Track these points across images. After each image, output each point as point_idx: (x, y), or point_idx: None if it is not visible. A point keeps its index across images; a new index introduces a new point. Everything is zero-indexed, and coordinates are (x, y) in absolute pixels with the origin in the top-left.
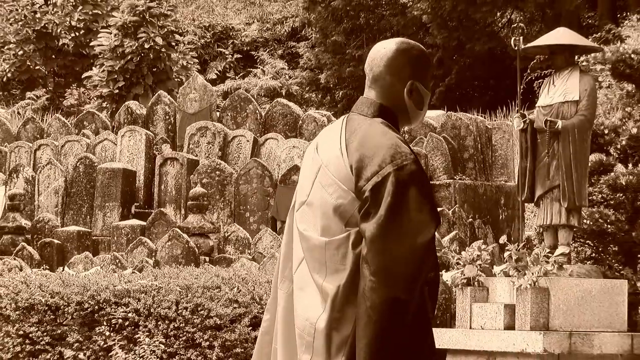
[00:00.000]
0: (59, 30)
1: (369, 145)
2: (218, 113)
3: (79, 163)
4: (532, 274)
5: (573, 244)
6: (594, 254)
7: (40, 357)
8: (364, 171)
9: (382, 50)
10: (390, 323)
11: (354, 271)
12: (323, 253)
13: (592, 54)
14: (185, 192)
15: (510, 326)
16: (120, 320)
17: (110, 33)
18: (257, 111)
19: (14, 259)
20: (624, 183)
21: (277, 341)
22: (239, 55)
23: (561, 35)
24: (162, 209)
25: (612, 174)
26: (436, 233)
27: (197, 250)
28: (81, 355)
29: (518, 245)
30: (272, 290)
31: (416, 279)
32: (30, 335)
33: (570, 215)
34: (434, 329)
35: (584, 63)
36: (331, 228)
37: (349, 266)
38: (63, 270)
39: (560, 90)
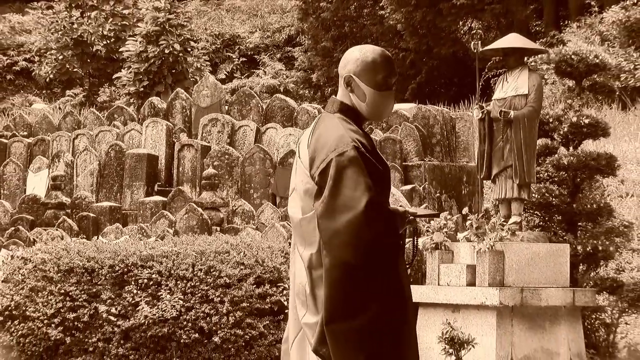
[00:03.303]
0: (93, 39)
1: (322, 138)
2: (226, 107)
3: (110, 149)
4: (490, 239)
5: (524, 214)
6: (541, 223)
7: (78, 312)
8: (316, 161)
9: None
10: (340, 282)
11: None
12: (300, 228)
13: (539, 56)
14: (200, 173)
15: (471, 283)
16: (145, 281)
17: (136, 41)
18: (259, 105)
19: (56, 230)
20: (566, 163)
21: (290, 295)
22: (244, 59)
23: (513, 40)
24: (180, 187)
25: (556, 155)
26: (409, 206)
27: (209, 222)
28: (113, 310)
29: (478, 216)
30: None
31: (360, 245)
32: (70, 293)
33: (521, 190)
34: None
35: (533, 63)
36: (305, 208)
37: (318, 237)
38: (97, 239)
39: (512, 86)
